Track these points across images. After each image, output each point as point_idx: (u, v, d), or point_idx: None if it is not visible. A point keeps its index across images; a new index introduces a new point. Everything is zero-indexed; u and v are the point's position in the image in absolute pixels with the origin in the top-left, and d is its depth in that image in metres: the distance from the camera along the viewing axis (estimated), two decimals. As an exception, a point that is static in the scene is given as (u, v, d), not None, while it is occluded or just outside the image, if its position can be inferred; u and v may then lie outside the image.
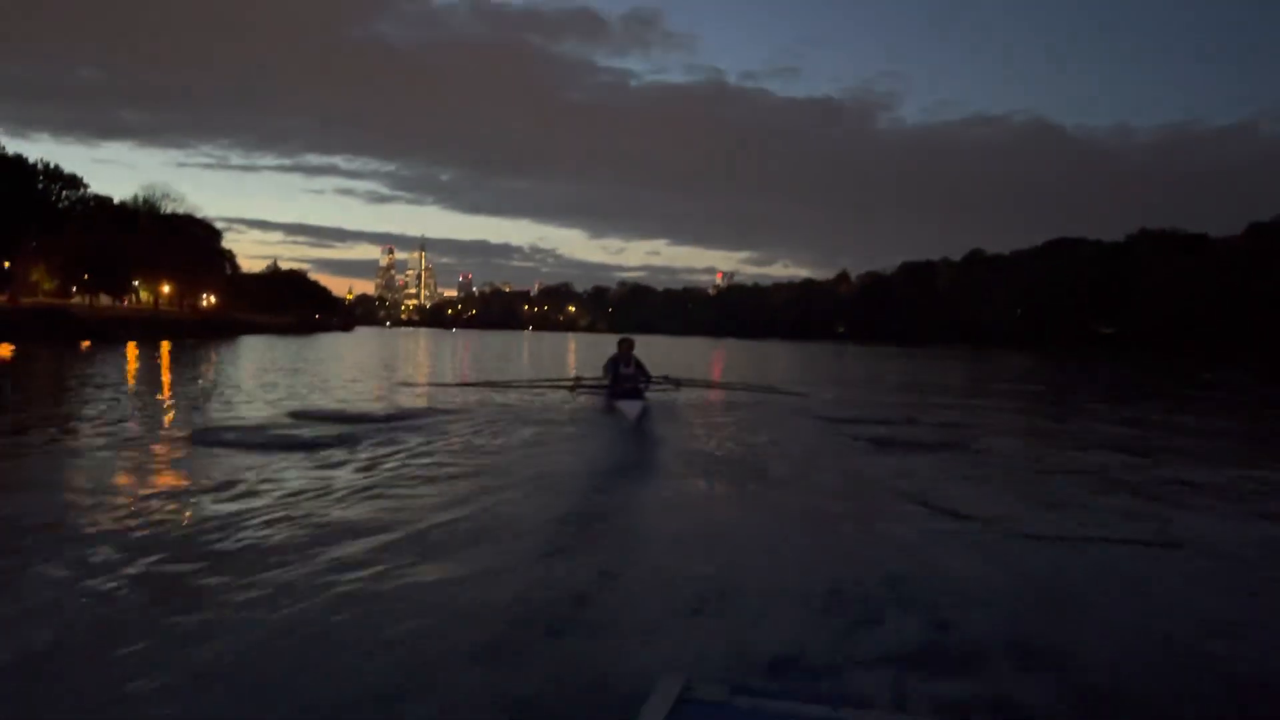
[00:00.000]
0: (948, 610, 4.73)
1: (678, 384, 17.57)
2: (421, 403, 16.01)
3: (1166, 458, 11.84)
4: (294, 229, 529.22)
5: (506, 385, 19.17)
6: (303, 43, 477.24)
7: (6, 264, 61.90)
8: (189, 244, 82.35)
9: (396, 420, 12.69)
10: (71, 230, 69.17)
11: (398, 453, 9.70)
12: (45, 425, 12.24)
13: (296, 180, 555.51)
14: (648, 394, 15.48)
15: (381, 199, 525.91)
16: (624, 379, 15.06)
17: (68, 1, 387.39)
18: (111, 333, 54.05)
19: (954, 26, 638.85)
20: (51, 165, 75.11)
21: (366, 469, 8.64)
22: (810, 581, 5.22)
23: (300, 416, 13.17)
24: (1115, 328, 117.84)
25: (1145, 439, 14.39)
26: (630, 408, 13.52)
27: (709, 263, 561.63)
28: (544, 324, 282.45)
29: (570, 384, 17.06)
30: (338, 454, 9.50)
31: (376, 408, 15.07)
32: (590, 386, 16.40)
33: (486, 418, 13.54)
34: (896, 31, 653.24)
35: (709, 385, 20.17)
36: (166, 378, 23.60)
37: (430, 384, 21.53)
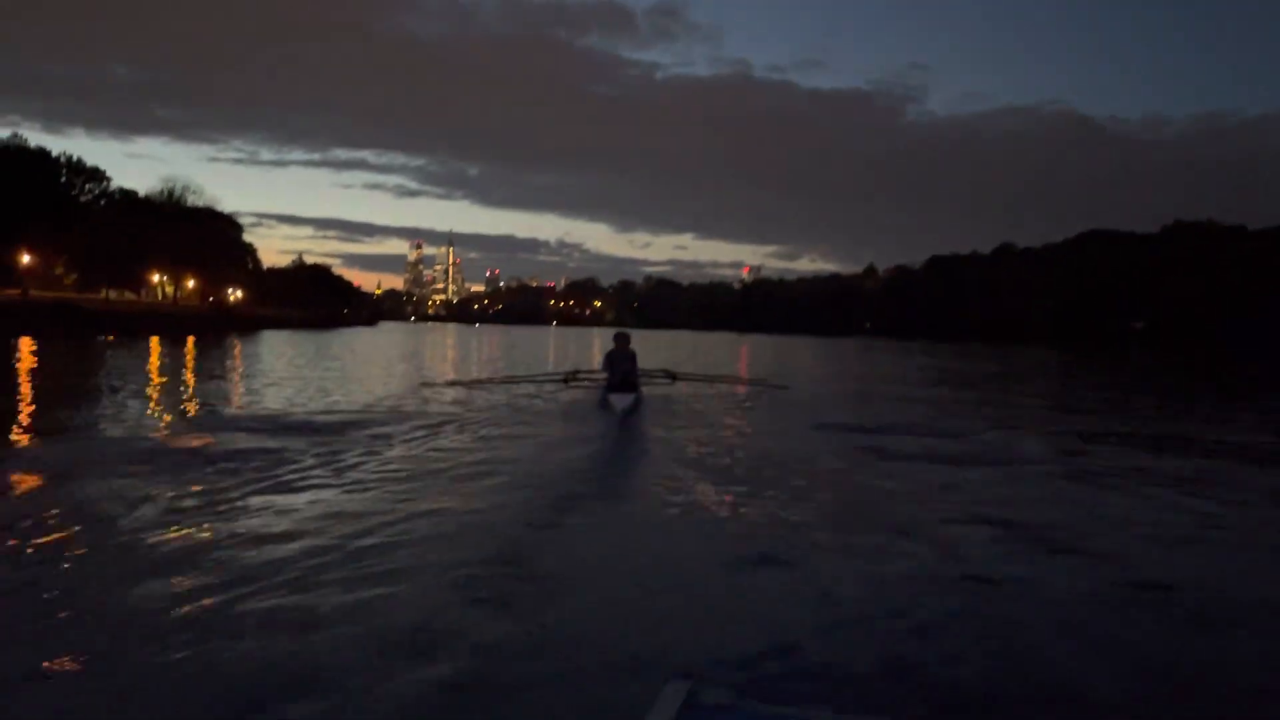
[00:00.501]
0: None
1: (673, 377, 18.15)
2: (404, 404, 15.23)
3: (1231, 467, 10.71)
4: (323, 224, 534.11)
5: (502, 381, 18.55)
6: (331, 38, 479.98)
7: (26, 258, 61.76)
8: (209, 237, 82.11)
9: (354, 428, 11.67)
10: (91, 223, 69.06)
11: (328, 468, 8.62)
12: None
13: (325, 175, 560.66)
14: (645, 387, 16.12)
15: (410, 194, 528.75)
16: (618, 373, 15.37)
17: (101, 0, 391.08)
18: (124, 327, 53.62)
19: (982, 17, 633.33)
20: (75, 159, 75.43)
21: (269, 489, 7.46)
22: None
23: (252, 422, 12.23)
24: (1149, 322, 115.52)
25: (1201, 447, 13.26)
26: (620, 400, 13.88)
27: (736, 257, 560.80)
28: (569, 319, 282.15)
29: (564, 378, 17.56)
30: (256, 469, 8.40)
31: (342, 411, 14.04)
32: (585, 380, 17.14)
33: (462, 420, 12.98)
34: (924, 22, 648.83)
35: (705, 379, 20.52)
36: (154, 375, 22.85)
37: (425, 383, 20.33)
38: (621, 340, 15.90)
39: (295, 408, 14.43)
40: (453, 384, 19.51)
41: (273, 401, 15.49)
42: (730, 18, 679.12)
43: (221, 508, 6.70)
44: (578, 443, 10.98)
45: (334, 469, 8.49)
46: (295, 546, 5.62)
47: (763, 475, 8.95)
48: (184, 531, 5.99)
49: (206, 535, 5.91)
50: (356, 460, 9.00)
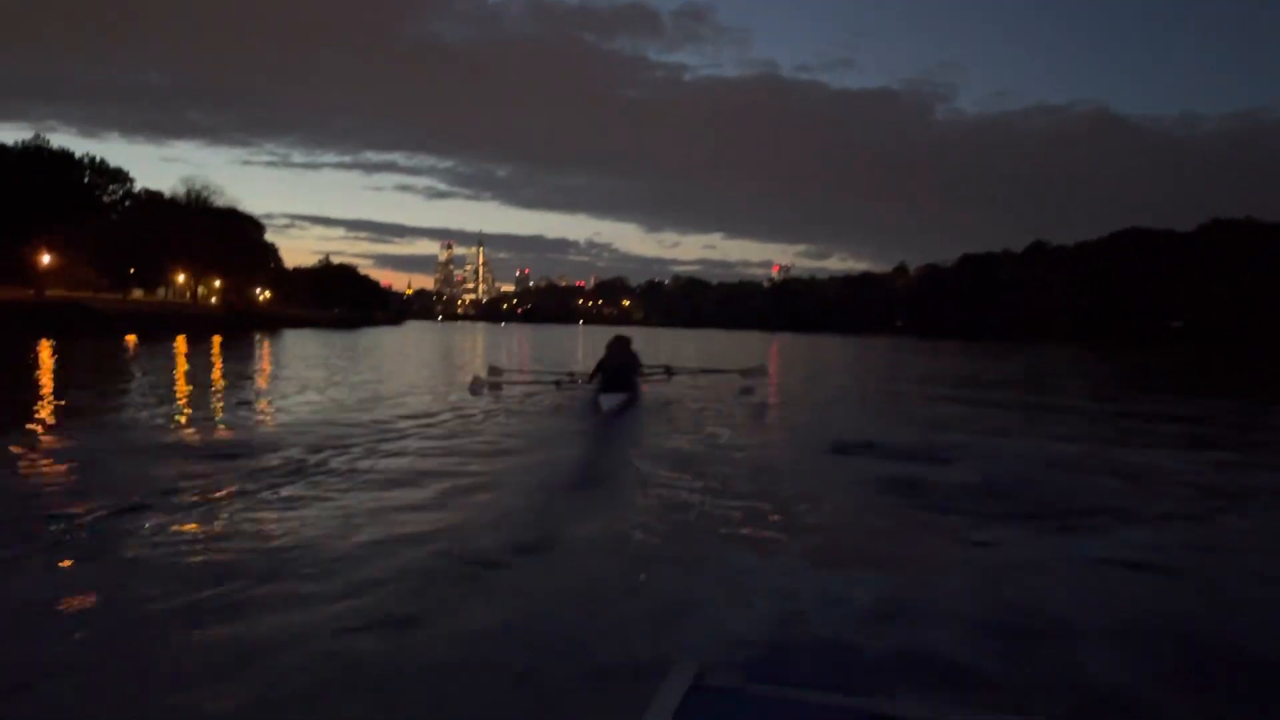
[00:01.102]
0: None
1: (670, 372, 18.40)
2: (390, 408, 14.07)
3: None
4: (355, 225, 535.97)
5: (493, 385, 17.19)
6: (361, 42, 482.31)
7: (46, 258, 61.54)
8: (230, 237, 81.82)
9: (330, 434, 10.69)
10: (112, 222, 68.97)
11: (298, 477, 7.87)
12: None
13: (357, 177, 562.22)
14: (646, 384, 16.80)
15: (440, 195, 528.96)
16: (611, 373, 15.38)
17: (136, 6, 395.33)
18: (145, 328, 53.13)
19: (1012, 15, 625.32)
20: (99, 160, 75.55)
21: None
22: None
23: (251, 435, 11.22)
24: (1186, 322, 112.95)
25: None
26: (608, 401, 13.72)
27: (765, 256, 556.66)
28: (598, 318, 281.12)
29: (556, 381, 16.92)
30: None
31: (324, 418, 12.85)
32: (579, 382, 16.59)
33: (440, 426, 11.98)
34: (953, 21, 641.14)
35: (699, 371, 20.47)
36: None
37: (409, 391, 19.06)
38: (616, 345, 15.79)
39: (281, 415, 13.64)
40: (447, 386, 18.37)
41: (278, 410, 14.69)
42: (758, 19, 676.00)
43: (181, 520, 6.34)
44: (552, 449, 10.41)
45: (298, 478, 8.01)
46: (276, 551, 5.57)
47: (756, 504, 7.61)
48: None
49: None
50: (327, 469, 8.51)
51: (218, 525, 6.23)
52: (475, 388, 16.46)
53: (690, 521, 6.79)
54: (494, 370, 18.26)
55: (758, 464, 9.59)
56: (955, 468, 9.40)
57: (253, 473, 8.09)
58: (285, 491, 7.39)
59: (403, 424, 12.00)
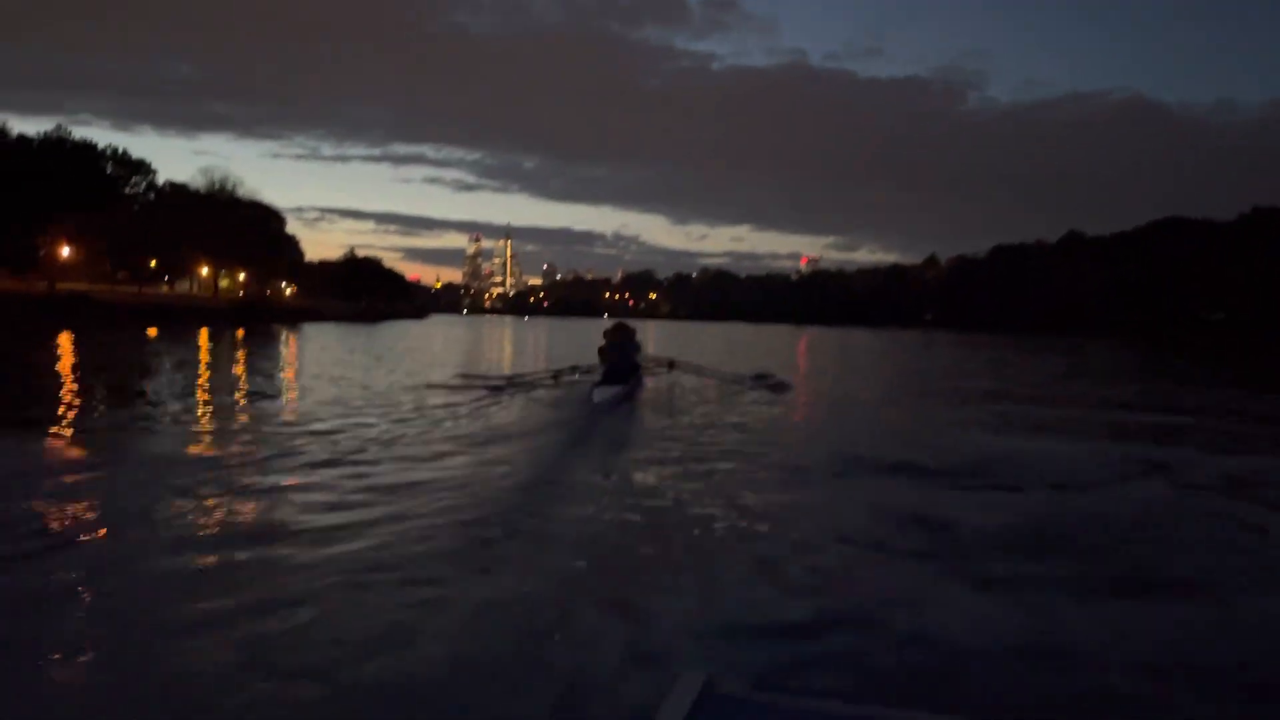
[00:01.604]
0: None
1: (670, 365, 18.14)
2: (378, 408, 12.96)
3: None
4: (384, 218, 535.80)
5: (478, 384, 16.01)
6: (387, 34, 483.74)
7: (66, 250, 61.14)
8: (250, 228, 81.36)
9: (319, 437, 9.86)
10: (131, 213, 68.63)
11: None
12: None
13: (385, 170, 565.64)
14: (647, 377, 16.63)
15: (468, 187, 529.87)
16: (610, 364, 15.07)
17: (167, 1, 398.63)
18: (162, 320, 52.62)
19: (1042, 2, 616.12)
20: (121, 151, 75.21)
21: None
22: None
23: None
24: (1227, 313, 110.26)
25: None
26: (600, 394, 13.20)
27: (793, 248, 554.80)
28: (625, 311, 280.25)
29: (553, 375, 16.35)
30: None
31: (312, 418, 11.85)
32: (576, 376, 16.11)
33: (421, 430, 10.80)
34: (982, 7, 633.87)
35: (704, 370, 19.40)
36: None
37: (407, 386, 17.83)
38: (614, 334, 15.48)
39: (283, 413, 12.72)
40: (436, 387, 17.05)
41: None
42: (786, 7, 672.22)
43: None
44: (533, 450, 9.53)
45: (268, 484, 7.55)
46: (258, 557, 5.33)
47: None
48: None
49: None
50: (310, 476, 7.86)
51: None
52: (440, 387, 15.82)
53: (651, 558, 5.61)
54: (467, 376, 17.18)
55: (750, 487, 7.92)
56: (996, 497, 7.72)
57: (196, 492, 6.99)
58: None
59: (385, 418, 11.09)
